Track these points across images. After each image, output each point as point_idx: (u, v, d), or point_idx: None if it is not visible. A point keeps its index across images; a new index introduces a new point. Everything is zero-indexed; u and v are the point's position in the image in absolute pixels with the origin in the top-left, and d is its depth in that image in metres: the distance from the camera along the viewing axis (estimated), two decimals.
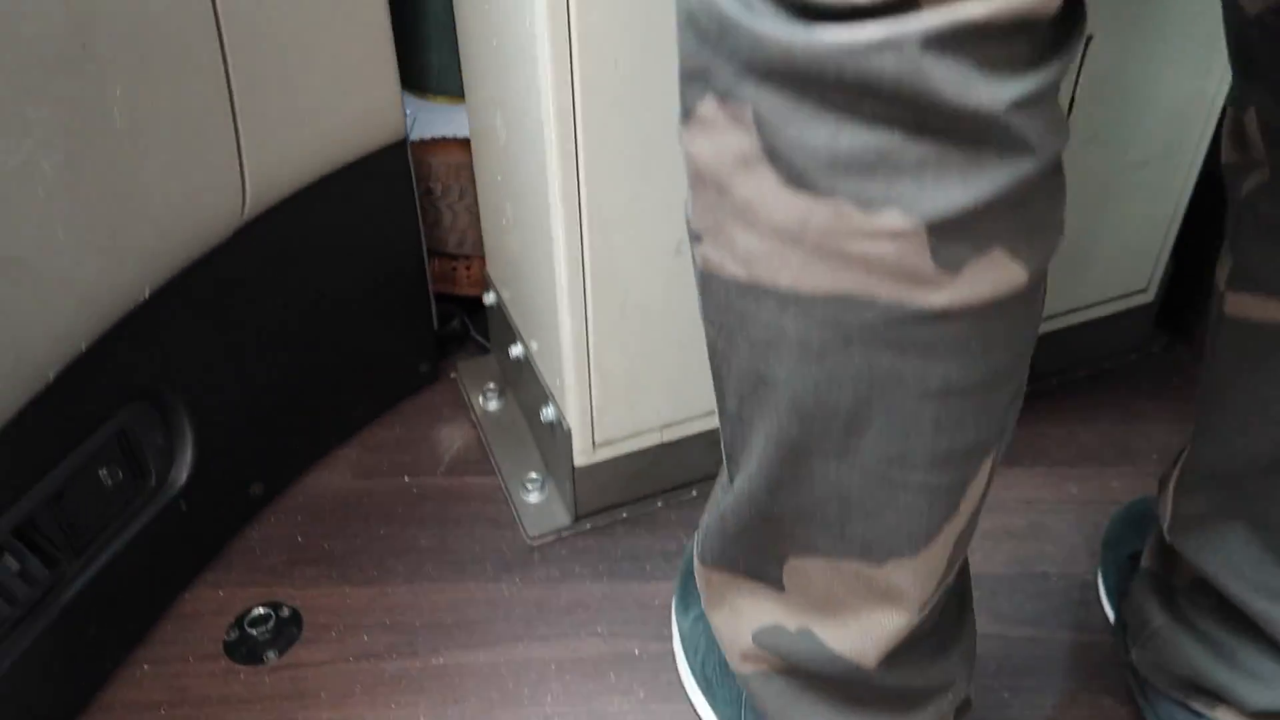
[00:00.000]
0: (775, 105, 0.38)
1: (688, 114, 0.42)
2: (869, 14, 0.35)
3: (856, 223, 0.38)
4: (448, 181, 0.98)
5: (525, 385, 0.94)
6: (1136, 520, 0.84)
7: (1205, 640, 0.65)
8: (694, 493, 0.92)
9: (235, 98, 0.71)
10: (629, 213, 0.72)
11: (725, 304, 0.45)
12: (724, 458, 0.56)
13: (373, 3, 0.78)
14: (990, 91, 0.35)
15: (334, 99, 0.79)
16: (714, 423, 0.88)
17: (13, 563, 0.66)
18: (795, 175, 0.39)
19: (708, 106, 0.41)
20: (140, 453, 0.75)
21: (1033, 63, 0.37)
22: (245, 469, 0.87)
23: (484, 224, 0.98)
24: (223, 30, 0.68)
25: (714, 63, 0.39)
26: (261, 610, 0.82)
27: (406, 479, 0.95)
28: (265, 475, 0.90)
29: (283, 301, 0.84)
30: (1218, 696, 0.65)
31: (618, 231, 0.72)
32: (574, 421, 0.82)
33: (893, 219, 0.38)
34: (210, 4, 0.67)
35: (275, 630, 0.81)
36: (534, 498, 0.91)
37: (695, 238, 0.46)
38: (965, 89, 0.35)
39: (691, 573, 0.75)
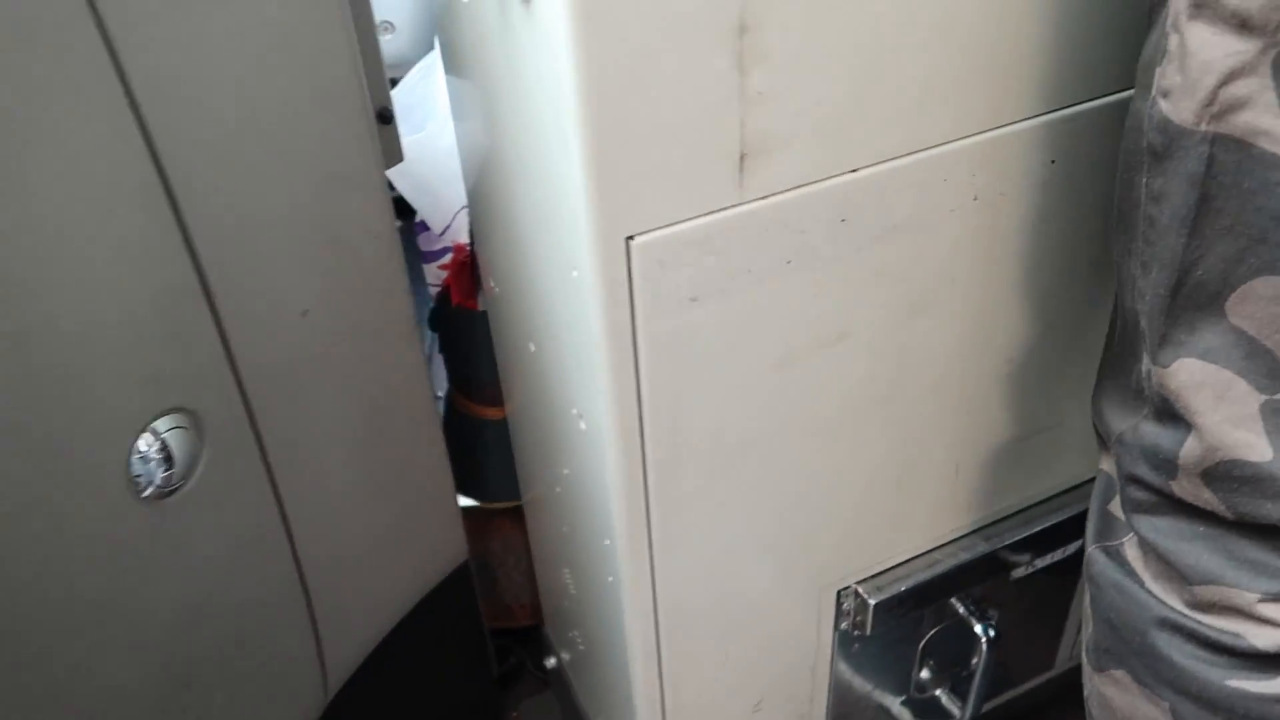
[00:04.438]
0: (1191, 711, 0.49)
1: (1101, 668, 0.54)
2: (1271, 663, 0.44)
3: None
4: (503, 555, 0.99)
5: None
6: None
7: None
8: None
9: (314, 609, 0.72)
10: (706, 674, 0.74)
11: None
12: None
13: (431, 446, 0.79)
14: None
15: (398, 548, 0.80)
16: None
17: None
18: None
19: (1122, 676, 0.52)
20: None
21: None
22: None
23: (541, 586, 0.99)
24: (293, 534, 0.69)
25: (1130, 660, 0.51)
26: None
27: None
28: None
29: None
30: None
31: (689, 688, 0.74)
32: None
33: None
34: (278, 509, 0.67)
35: None
36: None
37: None
38: None
39: None
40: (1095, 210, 0.64)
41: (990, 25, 0.54)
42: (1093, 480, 0.84)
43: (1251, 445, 0.45)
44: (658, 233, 0.51)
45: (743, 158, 0.51)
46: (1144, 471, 0.50)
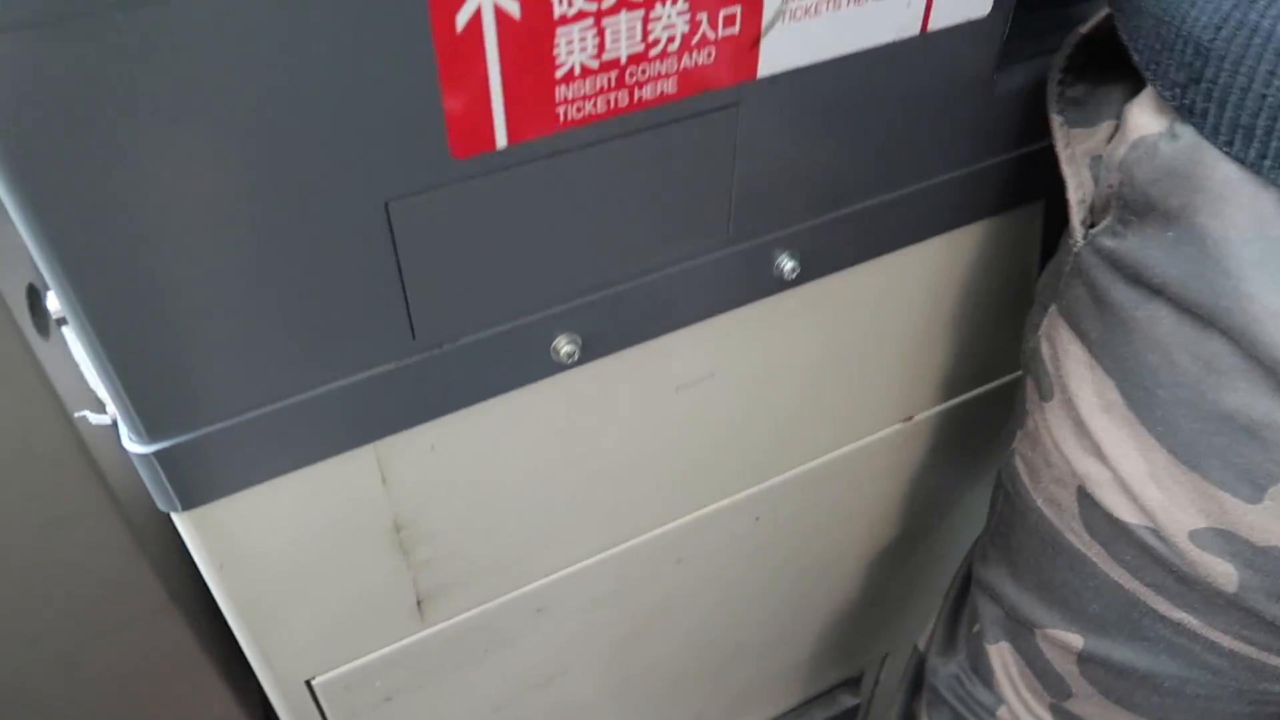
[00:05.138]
0: None
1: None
2: None
3: None
4: None
5: None
6: None
7: None
8: None
9: None
10: None
11: None
12: None
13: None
14: None
15: None
16: None
17: None
18: None
19: None
20: None
21: None
22: None
23: None
24: None
25: None
26: None
27: None
28: None
29: None
30: None
31: None
32: None
33: None
34: None
35: None
36: None
37: None
38: None
39: None
40: (801, 538, 0.68)
41: (684, 452, 0.55)
42: (841, 685, 0.92)
43: None
44: (340, 669, 0.54)
45: (420, 602, 0.54)
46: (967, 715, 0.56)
